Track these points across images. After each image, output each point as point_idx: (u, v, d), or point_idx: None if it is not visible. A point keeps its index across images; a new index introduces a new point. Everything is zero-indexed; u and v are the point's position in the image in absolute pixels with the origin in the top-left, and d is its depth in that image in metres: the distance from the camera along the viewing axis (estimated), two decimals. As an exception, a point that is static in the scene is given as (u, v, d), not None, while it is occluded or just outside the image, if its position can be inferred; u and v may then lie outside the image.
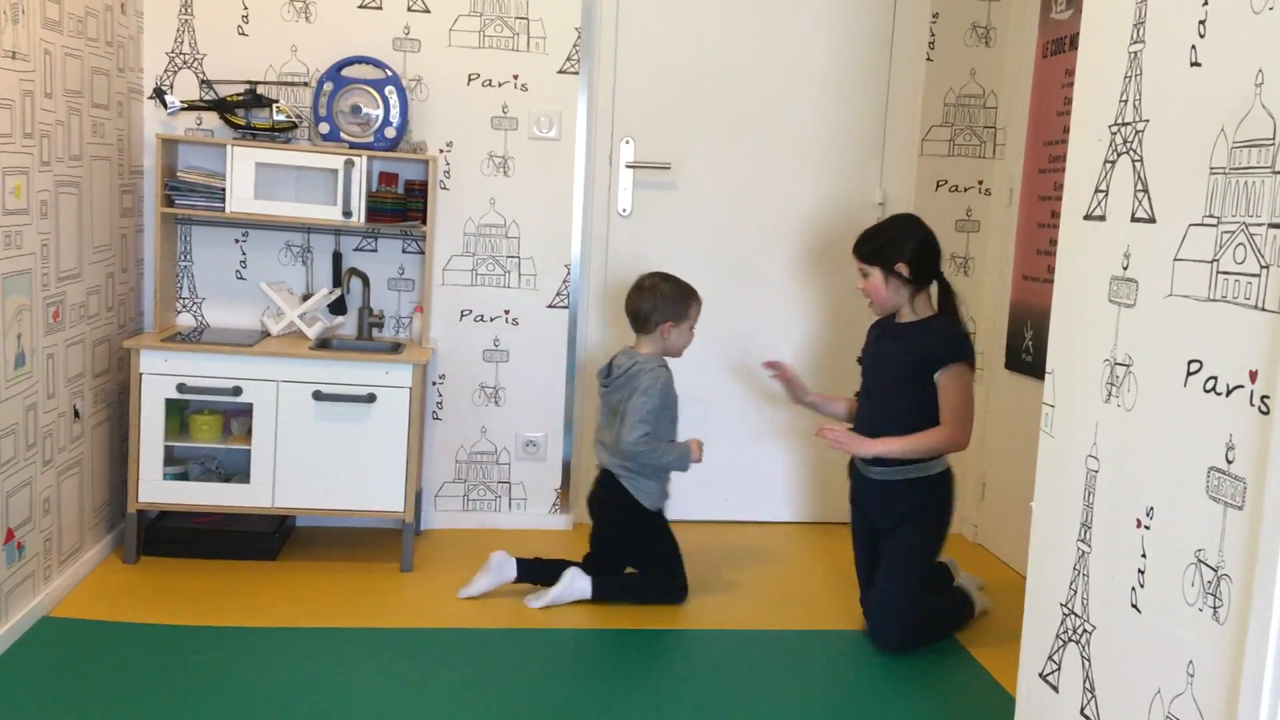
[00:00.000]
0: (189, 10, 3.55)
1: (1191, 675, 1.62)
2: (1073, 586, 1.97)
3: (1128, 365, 1.82)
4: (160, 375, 3.24)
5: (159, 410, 3.26)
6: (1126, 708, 1.78)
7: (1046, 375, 2.10)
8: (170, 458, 3.34)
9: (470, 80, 3.70)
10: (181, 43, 3.56)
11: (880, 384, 3.09)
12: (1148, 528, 1.74)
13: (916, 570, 3.02)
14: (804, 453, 4.08)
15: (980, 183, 3.99)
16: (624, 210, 3.90)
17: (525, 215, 3.77)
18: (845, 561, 3.77)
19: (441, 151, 3.70)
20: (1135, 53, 1.84)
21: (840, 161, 4.01)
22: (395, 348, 3.50)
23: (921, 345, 2.99)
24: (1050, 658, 2.05)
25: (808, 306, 4.04)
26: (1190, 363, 1.65)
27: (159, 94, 3.43)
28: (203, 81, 3.57)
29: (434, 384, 3.80)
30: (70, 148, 2.98)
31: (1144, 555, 1.75)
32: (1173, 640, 1.67)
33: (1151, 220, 1.76)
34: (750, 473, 4.06)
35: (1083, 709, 1.91)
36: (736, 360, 3.98)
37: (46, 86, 2.81)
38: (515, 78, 3.72)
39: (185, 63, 3.57)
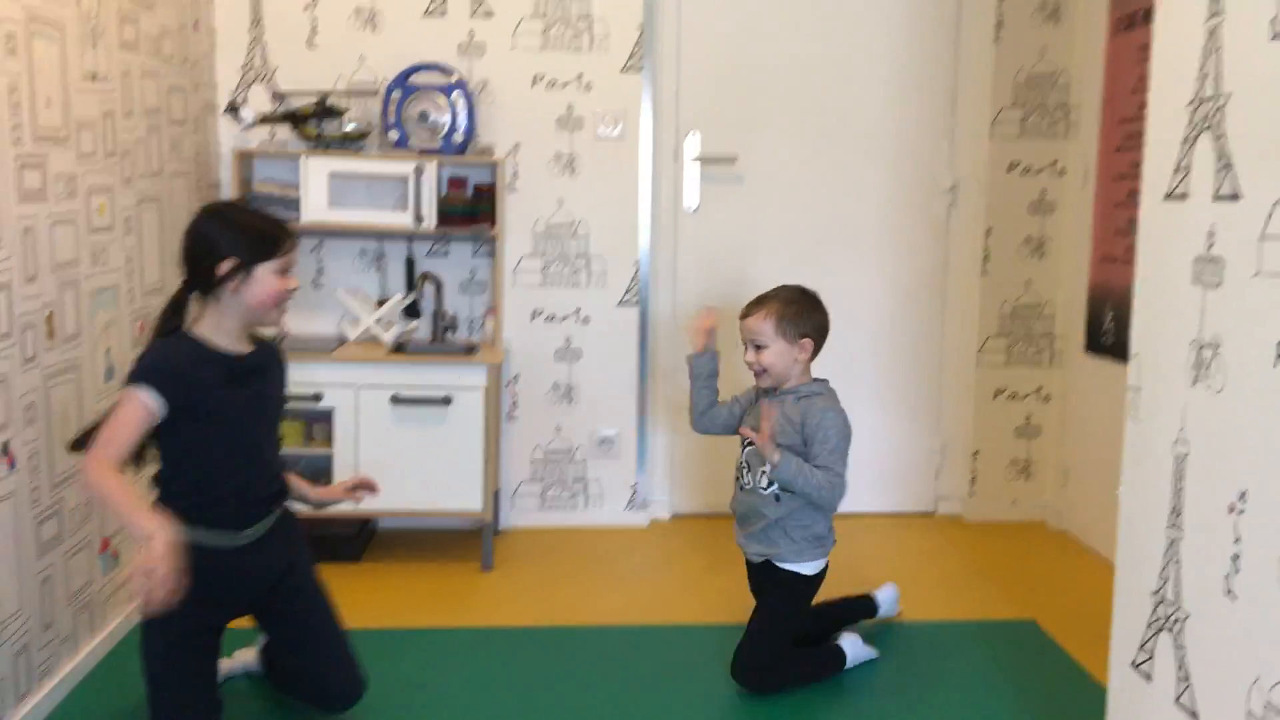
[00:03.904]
0: (259, 25, 3.62)
1: (1292, 663, 1.58)
2: (1164, 574, 1.93)
3: (1215, 347, 1.78)
4: (243, 384, 3.31)
5: (243, 418, 3.32)
6: (1223, 696, 1.75)
7: (1130, 359, 2.06)
8: (255, 464, 3.40)
9: (535, 82, 3.72)
10: (254, 57, 3.63)
11: None
12: (1241, 512, 1.71)
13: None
14: (877, 445, 4.04)
15: (1054, 163, 3.91)
16: (691, 205, 3.89)
17: (593, 214, 3.79)
18: (929, 551, 3.74)
19: (509, 154, 3.73)
20: (1214, 27, 1.80)
21: (908, 147, 3.96)
22: (469, 350, 3.54)
23: None
24: (1142, 646, 2.01)
25: (878, 296, 4.00)
26: (1281, 343, 1.61)
27: (234, 109, 3.51)
28: (275, 94, 3.64)
29: (508, 384, 3.83)
30: (150, 164, 3.06)
31: (1238, 540, 1.71)
32: (1270, 626, 1.63)
33: (1236, 198, 1.72)
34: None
35: (1178, 698, 1.88)
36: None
37: (126, 106, 2.89)
38: (579, 78, 3.73)
39: (257, 76, 3.64)
